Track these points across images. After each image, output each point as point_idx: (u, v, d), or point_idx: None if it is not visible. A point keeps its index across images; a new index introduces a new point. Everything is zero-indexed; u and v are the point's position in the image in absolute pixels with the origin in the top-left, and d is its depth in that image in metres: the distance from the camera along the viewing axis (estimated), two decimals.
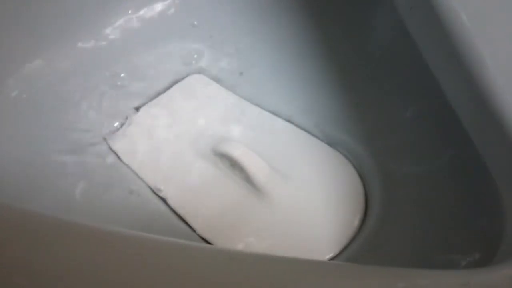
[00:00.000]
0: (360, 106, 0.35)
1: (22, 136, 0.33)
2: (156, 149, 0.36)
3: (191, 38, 0.41)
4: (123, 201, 0.33)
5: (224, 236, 0.31)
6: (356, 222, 0.31)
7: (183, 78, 0.40)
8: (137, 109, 0.38)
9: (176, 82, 0.40)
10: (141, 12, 0.40)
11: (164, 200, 0.33)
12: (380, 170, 0.32)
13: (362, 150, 0.33)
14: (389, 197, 0.31)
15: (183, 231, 0.31)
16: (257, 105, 0.38)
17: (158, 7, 0.40)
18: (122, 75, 0.39)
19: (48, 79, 0.35)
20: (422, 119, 0.32)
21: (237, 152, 0.33)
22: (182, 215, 0.32)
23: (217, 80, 0.40)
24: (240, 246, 0.31)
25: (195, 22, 0.42)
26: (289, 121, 0.37)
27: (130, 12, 0.39)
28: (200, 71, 0.41)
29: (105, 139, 0.36)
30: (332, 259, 0.29)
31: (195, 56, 0.41)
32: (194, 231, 0.32)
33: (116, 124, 0.37)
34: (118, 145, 0.36)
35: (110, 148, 0.36)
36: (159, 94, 0.39)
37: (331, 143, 0.35)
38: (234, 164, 0.33)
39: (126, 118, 0.37)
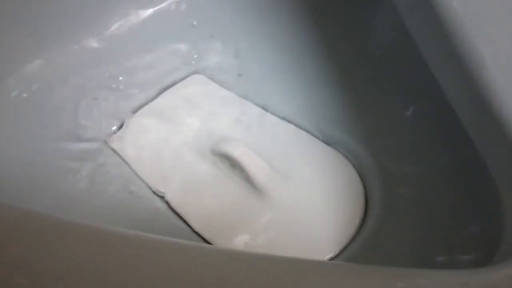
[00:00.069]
0: (360, 106, 0.35)
1: (22, 136, 0.33)
2: (156, 149, 0.36)
3: (191, 38, 0.41)
4: (123, 201, 0.33)
5: (224, 236, 0.31)
6: (356, 222, 0.31)
7: (183, 78, 0.40)
8: (137, 109, 0.38)
9: (176, 82, 0.40)
10: (141, 12, 0.40)
11: (164, 200, 0.33)
12: (380, 170, 0.32)
13: (362, 150, 0.33)
14: (389, 197, 0.31)
15: (183, 231, 0.31)
16: (257, 105, 0.38)
17: (158, 7, 0.40)
18: (122, 75, 0.39)
19: (48, 79, 0.35)
20: (422, 119, 0.32)
21: (237, 152, 0.33)
22: (182, 215, 0.32)
23: (216, 80, 0.40)
24: (240, 246, 0.30)
25: (195, 22, 0.42)
26: (289, 121, 0.37)
27: (130, 12, 0.39)
28: (200, 71, 0.41)
29: (105, 139, 0.36)
30: (332, 259, 0.29)
31: (195, 56, 0.41)
32: (194, 231, 0.32)
33: (116, 124, 0.37)
34: (118, 145, 0.36)
35: (110, 148, 0.36)
36: (159, 94, 0.39)
37: (331, 143, 0.35)
38: (234, 164, 0.33)
39: (126, 118, 0.37)
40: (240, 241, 0.31)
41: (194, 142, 0.36)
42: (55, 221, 0.19)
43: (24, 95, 0.34)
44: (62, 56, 0.36)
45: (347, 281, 0.17)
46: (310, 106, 0.37)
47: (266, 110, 0.38)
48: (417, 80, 0.32)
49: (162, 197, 0.33)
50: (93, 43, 0.38)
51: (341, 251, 0.30)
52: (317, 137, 0.36)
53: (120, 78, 0.39)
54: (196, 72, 0.41)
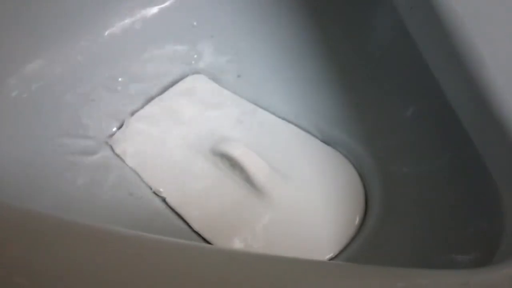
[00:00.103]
0: (360, 106, 0.35)
1: (22, 136, 0.33)
2: (156, 149, 0.36)
3: (191, 38, 0.41)
4: (123, 201, 0.33)
5: (224, 236, 0.31)
6: (356, 222, 0.31)
7: (183, 78, 0.40)
8: (137, 109, 0.38)
9: (176, 82, 0.40)
10: (141, 12, 0.40)
11: (164, 200, 0.33)
12: (380, 170, 0.32)
13: (362, 150, 0.33)
14: (389, 197, 0.31)
15: (183, 231, 0.31)
16: (257, 105, 0.38)
17: (159, 7, 0.40)
18: (122, 75, 0.39)
19: (48, 79, 0.35)
20: (422, 119, 0.32)
21: (237, 152, 0.33)
22: (182, 215, 0.32)
23: (217, 80, 0.40)
24: (240, 246, 0.30)
25: (195, 22, 0.42)
26: (289, 121, 0.37)
27: (130, 12, 0.39)
28: (200, 71, 0.41)
29: (105, 139, 0.36)
30: (332, 259, 0.29)
31: (195, 56, 0.41)
32: (194, 231, 0.32)
33: (116, 124, 0.37)
34: (119, 145, 0.36)
35: (110, 149, 0.36)
36: (159, 94, 0.39)
37: (331, 143, 0.35)
38: (234, 164, 0.33)
39: (126, 118, 0.37)
40: (240, 241, 0.31)
41: (194, 142, 0.36)
42: (55, 221, 0.19)
43: (24, 95, 0.34)
44: (62, 56, 0.36)
45: (347, 281, 0.17)
46: (310, 106, 0.37)
47: (266, 110, 0.38)
48: (417, 80, 0.32)
49: (162, 197, 0.33)
50: (93, 43, 0.38)
51: (341, 251, 0.30)
52: (317, 137, 0.36)
53: (120, 78, 0.39)
54: (196, 72, 0.41)
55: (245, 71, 0.40)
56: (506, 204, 0.22)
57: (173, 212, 0.33)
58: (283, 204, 0.32)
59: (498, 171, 0.22)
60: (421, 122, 0.32)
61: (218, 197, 0.33)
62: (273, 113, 0.37)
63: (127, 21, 0.39)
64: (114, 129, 0.37)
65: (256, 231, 0.31)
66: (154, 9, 0.40)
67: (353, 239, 0.30)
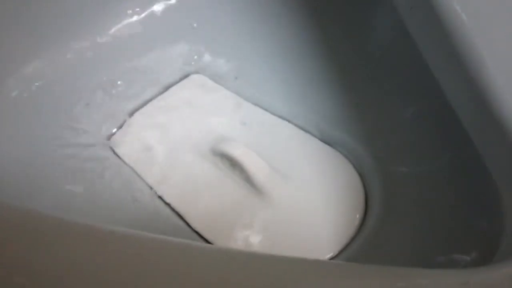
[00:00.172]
0: (360, 106, 0.35)
1: (22, 136, 0.33)
2: (156, 149, 0.36)
3: (191, 38, 0.41)
4: (123, 201, 0.33)
5: (224, 236, 0.31)
6: (356, 222, 0.31)
7: (183, 79, 0.40)
8: (137, 109, 0.38)
9: (176, 82, 0.40)
10: (142, 12, 0.40)
11: (164, 200, 0.33)
12: (380, 170, 0.32)
13: (362, 150, 0.33)
14: (389, 197, 0.31)
15: (183, 230, 0.31)
16: (257, 105, 0.38)
17: (159, 7, 0.40)
18: (122, 75, 0.39)
19: (48, 79, 0.35)
20: (422, 119, 0.32)
21: (237, 152, 0.33)
22: (182, 214, 0.32)
23: (217, 80, 0.40)
24: (240, 246, 0.30)
25: (195, 23, 0.42)
26: (289, 121, 0.37)
27: (130, 12, 0.39)
28: (200, 71, 0.41)
29: (105, 139, 0.36)
30: (332, 258, 0.29)
31: (195, 57, 0.41)
32: (194, 230, 0.32)
33: (116, 124, 0.37)
34: (118, 145, 0.36)
35: (110, 148, 0.36)
36: (159, 94, 0.39)
37: (331, 143, 0.35)
38: (234, 164, 0.33)
39: (126, 118, 0.37)
40: (240, 241, 0.31)
41: (194, 142, 0.36)
42: (55, 221, 0.19)
43: (24, 95, 0.34)
44: (62, 56, 0.36)
45: (347, 281, 0.17)
46: (310, 106, 0.37)
47: (266, 110, 0.38)
48: (417, 80, 0.32)
49: (162, 197, 0.33)
50: (93, 43, 0.38)
51: (341, 251, 0.30)
52: (317, 137, 0.36)
53: (120, 78, 0.39)
54: (196, 72, 0.41)
55: (245, 71, 0.40)
56: (506, 204, 0.22)
57: (173, 211, 0.33)
58: (283, 204, 0.32)
59: (498, 171, 0.23)
60: (421, 122, 0.32)
61: (218, 197, 0.33)
62: (273, 113, 0.37)
63: (127, 21, 0.39)
64: (114, 129, 0.37)
65: (256, 231, 0.31)
66: (155, 9, 0.40)
67: (353, 239, 0.30)
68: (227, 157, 0.33)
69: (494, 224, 0.22)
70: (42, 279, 0.16)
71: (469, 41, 0.22)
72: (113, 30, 0.39)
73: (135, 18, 0.40)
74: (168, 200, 0.33)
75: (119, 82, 0.38)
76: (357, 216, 0.31)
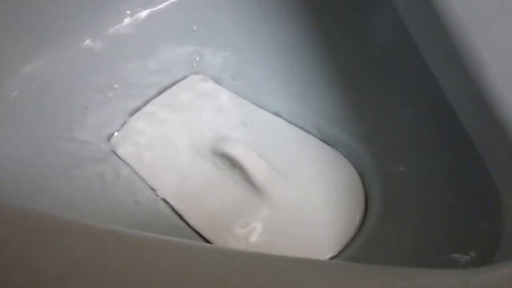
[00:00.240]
0: (360, 106, 0.35)
1: (22, 136, 0.33)
2: (156, 149, 0.36)
3: (191, 38, 0.41)
4: (123, 201, 0.33)
5: (224, 236, 0.31)
6: (356, 222, 0.31)
7: (183, 79, 0.40)
8: (138, 109, 0.38)
9: (176, 82, 0.40)
10: (142, 12, 0.40)
11: (164, 200, 0.33)
12: (380, 170, 0.32)
13: (362, 150, 0.33)
14: (389, 197, 0.31)
15: (183, 230, 0.31)
16: (257, 105, 0.38)
17: (159, 7, 0.40)
18: (122, 75, 0.39)
19: (48, 79, 0.35)
20: (422, 119, 0.32)
21: (237, 152, 0.33)
22: (182, 214, 0.32)
23: (217, 80, 0.40)
24: (240, 246, 0.31)
25: (195, 23, 0.42)
26: (289, 121, 0.37)
27: (130, 12, 0.39)
28: (200, 71, 0.41)
29: (105, 139, 0.36)
30: (332, 258, 0.29)
31: (197, 58, 0.41)
32: (194, 230, 0.32)
33: (116, 124, 0.37)
34: (119, 145, 0.36)
35: (110, 149, 0.36)
36: (159, 94, 0.39)
37: (331, 143, 0.35)
38: (234, 164, 0.33)
39: (127, 118, 0.37)
40: (240, 241, 0.31)
41: (194, 142, 0.36)
42: (55, 221, 0.19)
43: (24, 95, 0.34)
44: (62, 56, 0.36)
45: (347, 281, 0.17)
46: (310, 106, 0.37)
47: (266, 110, 0.38)
48: (417, 80, 0.32)
49: (162, 197, 0.33)
50: (93, 44, 0.38)
51: (341, 251, 0.30)
52: (317, 137, 0.36)
53: (120, 78, 0.39)
54: (196, 72, 0.41)
55: (245, 71, 0.40)
56: (506, 204, 0.22)
57: (173, 211, 0.33)
58: (283, 204, 0.32)
59: (498, 171, 0.23)
60: (421, 122, 0.32)
61: (218, 197, 0.33)
62: (273, 113, 0.37)
63: (128, 21, 0.39)
64: (114, 129, 0.37)
65: (256, 230, 0.31)
66: (155, 10, 0.40)
67: (353, 239, 0.30)
68: (227, 157, 0.33)
69: (494, 224, 0.22)
70: (42, 279, 0.16)
71: (469, 41, 0.22)
72: (113, 30, 0.39)
73: (135, 18, 0.40)
74: (168, 200, 0.33)
75: (119, 83, 0.38)
76: (357, 216, 0.31)
